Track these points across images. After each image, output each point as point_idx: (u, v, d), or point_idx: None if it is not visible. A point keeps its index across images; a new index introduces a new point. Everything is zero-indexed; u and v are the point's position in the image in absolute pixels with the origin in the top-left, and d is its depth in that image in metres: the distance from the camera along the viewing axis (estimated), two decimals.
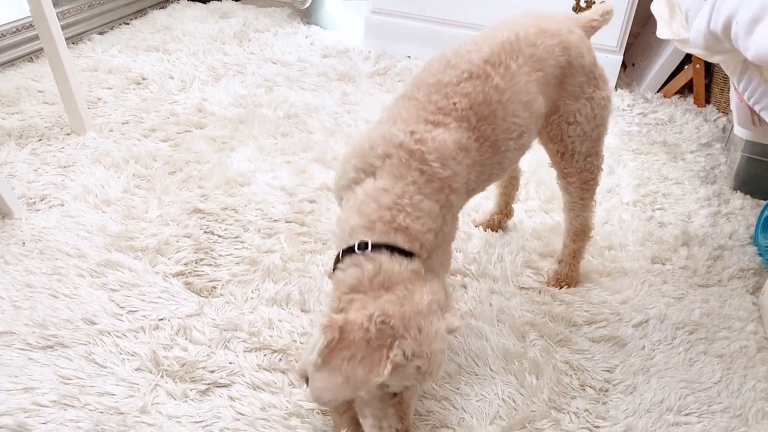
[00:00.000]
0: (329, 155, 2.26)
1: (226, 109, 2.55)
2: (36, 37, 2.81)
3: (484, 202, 2.05)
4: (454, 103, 1.25)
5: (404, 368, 1.10)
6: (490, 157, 1.30)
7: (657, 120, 2.79)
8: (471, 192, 1.33)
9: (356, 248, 1.18)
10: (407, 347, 1.09)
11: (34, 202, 1.91)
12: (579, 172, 1.57)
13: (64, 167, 2.09)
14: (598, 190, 2.13)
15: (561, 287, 1.75)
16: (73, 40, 3.02)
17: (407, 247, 1.18)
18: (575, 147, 1.51)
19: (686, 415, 1.41)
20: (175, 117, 2.45)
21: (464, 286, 1.72)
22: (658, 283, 1.80)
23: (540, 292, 1.73)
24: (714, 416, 1.41)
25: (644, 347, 1.59)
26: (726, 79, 2.84)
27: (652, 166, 2.42)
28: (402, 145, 1.21)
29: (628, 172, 2.35)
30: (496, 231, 1.97)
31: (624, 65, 3.23)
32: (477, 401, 1.41)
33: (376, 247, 1.17)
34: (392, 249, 1.17)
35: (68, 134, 2.28)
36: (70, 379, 1.37)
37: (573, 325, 1.64)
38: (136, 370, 1.41)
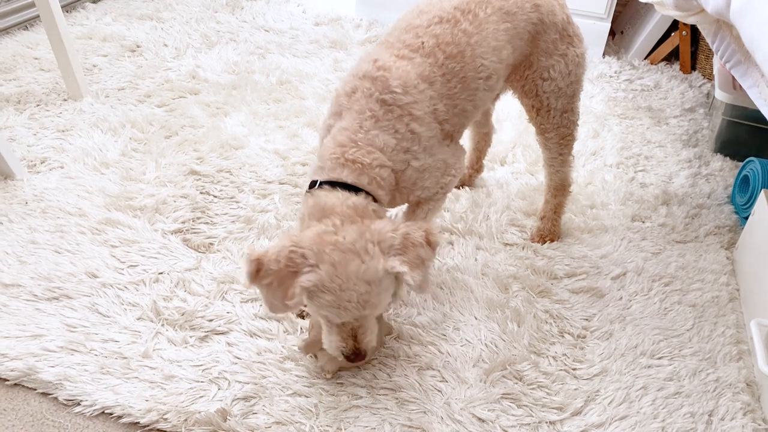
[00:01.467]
0: (321, 120, 2.31)
1: (219, 75, 2.60)
2: (31, 5, 2.84)
3: None
4: (422, 42, 1.33)
5: (318, 298, 1.15)
6: (460, 92, 1.36)
7: (643, 86, 2.85)
8: (442, 123, 1.36)
9: (308, 188, 1.28)
10: (315, 278, 1.13)
11: (35, 165, 1.97)
12: (556, 127, 1.63)
13: (63, 131, 2.14)
14: (583, 151, 2.22)
15: (544, 242, 1.82)
16: (66, 8, 3.04)
17: (350, 181, 1.25)
18: (551, 103, 1.58)
19: (659, 358, 1.49)
20: (170, 83, 2.49)
21: (451, 243, 1.80)
22: (637, 239, 1.87)
23: (523, 248, 1.81)
24: (684, 359, 1.49)
25: (621, 298, 1.67)
26: None
27: (636, 130, 2.48)
28: (366, 75, 1.28)
29: (613, 136, 2.42)
30: (463, 187, 2.04)
31: (612, 33, 3.27)
32: (461, 346, 1.49)
33: (323, 183, 1.25)
34: (334, 184, 1.24)
35: (65, 100, 2.33)
36: (75, 328, 1.44)
37: (554, 278, 1.72)
38: (138, 319, 1.49)
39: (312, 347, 1.40)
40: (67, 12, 3.02)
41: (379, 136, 1.26)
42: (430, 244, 1.20)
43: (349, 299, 1.15)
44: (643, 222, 1.96)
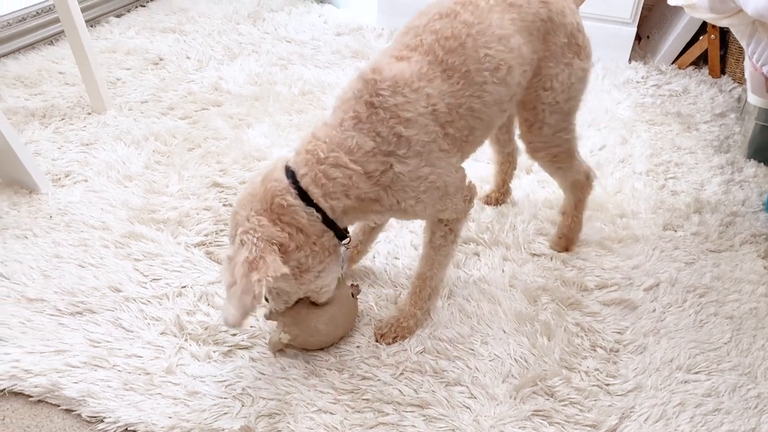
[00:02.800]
0: None
1: (241, 87, 2.59)
2: (56, 21, 2.87)
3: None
4: (421, 40, 1.28)
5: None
6: (465, 88, 1.27)
7: (671, 91, 2.79)
8: (445, 126, 1.27)
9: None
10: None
11: (59, 178, 1.98)
12: (547, 146, 1.55)
13: (87, 145, 2.15)
14: (611, 159, 2.18)
15: (566, 247, 1.77)
16: (91, 23, 3.07)
17: (291, 165, 1.24)
18: (545, 117, 1.48)
19: (695, 373, 1.44)
20: (193, 95, 2.50)
21: (477, 254, 1.76)
22: (669, 249, 1.82)
23: (552, 259, 1.77)
24: (723, 374, 1.44)
25: (655, 310, 1.61)
26: (741, 49, 2.82)
27: (666, 137, 2.43)
28: (360, 77, 1.25)
29: (642, 143, 2.36)
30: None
31: (638, 37, 3.22)
32: (490, 361, 1.45)
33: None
34: (289, 172, 1.23)
35: (89, 114, 2.34)
36: (99, 343, 1.43)
37: (584, 290, 1.67)
38: (161, 333, 1.47)
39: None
40: (91, 26, 3.05)
41: (354, 138, 1.21)
42: (248, 268, 1.14)
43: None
44: (675, 231, 1.90)
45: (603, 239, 1.84)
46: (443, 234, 1.42)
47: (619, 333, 1.55)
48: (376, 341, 1.47)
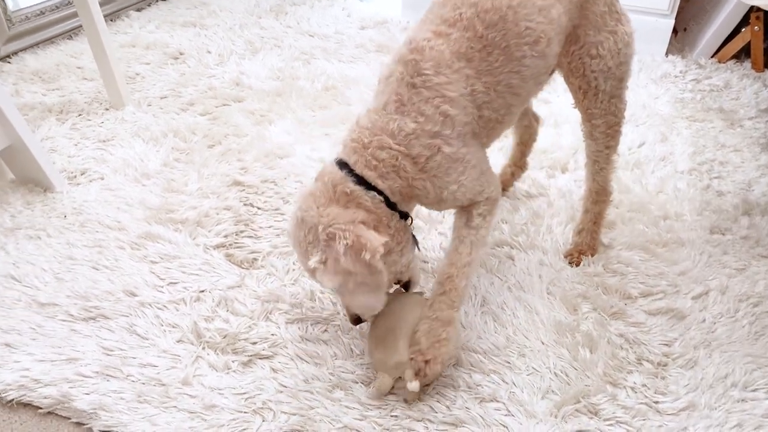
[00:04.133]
0: None
1: (263, 82, 2.51)
2: (75, 15, 2.81)
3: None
4: (460, 14, 1.23)
5: None
6: (504, 65, 1.25)
7: (712, 86, 2.65)
8: (482, 108, 1.25)
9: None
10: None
11: (75, 176, 1.91)
12: (604, 114, 1.50)
13: (104, 141, 2.09)
14: (651, 156, 2.06)
15: (579, 259, 1.65)
16: (111, 17, 3.02)
17: (343, 157, 1.22)
18: (599, 84, 1.44)
19: (753, 390, 1.32)
20: (213, 91, 2.42)
21: (511, 258, 1.66)
22: (717, 254, 1.70)
23: (591, 264, 1.65)
24: None
25: (705, 320, 1.50)
26: None
27: (708, 134, 2.30)
28: (401, 59, 1.22)
29: (683, 140, 2.24)
30: (508, 189, 1.91)
31: (674, 30, 3.07)
32: (528, 375, 1.35)
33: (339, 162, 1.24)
34: (341, 164, 1.22)
35: (107, 109, 2.27)
36: (112, 351, 1.36)
37: (628, 298, 1.56)
38: (178, 341, 1.39)
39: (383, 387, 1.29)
40: (111, 21, 2.99)
41: (395, 121, 1.19)
42: (354, 253, 1.12)
43: (300, 264, 1.27)
44: (723, 234, 1.78)
45: (646, 243, 1.72)
46: (481, 212, 1.32)
47: (667, 345, 1.43)
48: (417, 374, 1.23)
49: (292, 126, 2.20)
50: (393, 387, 1.30)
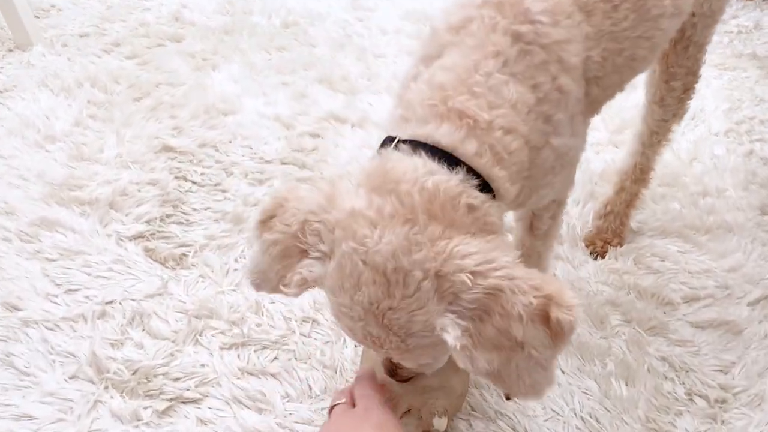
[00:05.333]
0: (337, 74, 1.79)
1: (209, 17, 2.06)
2: None
3: None
4: None
5: (329, 296, 0.73)
6: (634, 27, 0.83)
7: (740, 27, 2.26)
8: (591, 83, 0.83)
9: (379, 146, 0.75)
10: (319, 272, 0.70)
11: None
12: (685, 74, 1.19)
13: (1, 92, 1.65)
14: None
15: (605, 249, 1.32)
16: None
17: (446, 144, 0.69)
18: (694, 34, 1.09)
19: None
20: (146, 27, 1.96)
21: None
22: None
23: (618, 258, 1.30)
24: None
25: (767, 335, 1.17)
26: None
27: (743, 85, 1.93)
28: (487, 1, 0.75)
29: (714, 93, 1.87)
30: None
31: None
32: (545, 420, 1.01)
33: (404, 141, 0.71)
34: (419, 145, 0.70)
35: (10, 50, 1.82)
36: None
37: (668, 304, 1.21)
38: (71, 378, 1.02)
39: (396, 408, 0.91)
40: None
41: (510, 85, 0.71)
42: (548, 325, 0.62)
43: (354, 330, 0.69)
44: None
45: (684, 228, 1.37)
46: (551, 215, 0.97)
47: (723, 372, 1.10)
48: (508, 398, 1.03)
49: (241, 72, 1.77)
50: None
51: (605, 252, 1.31)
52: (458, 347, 0.62)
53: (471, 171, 0.68)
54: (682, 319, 1.19)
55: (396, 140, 0.72)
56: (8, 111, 1.58)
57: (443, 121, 0.70)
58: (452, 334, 0.62)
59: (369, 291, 0.64)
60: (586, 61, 0.79)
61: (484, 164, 0.69)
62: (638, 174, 1.31)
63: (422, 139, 0.70)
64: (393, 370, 0.87)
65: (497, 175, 0.70)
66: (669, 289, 1.23)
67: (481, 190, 0.68)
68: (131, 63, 1.81)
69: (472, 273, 0.62)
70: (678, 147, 1.61)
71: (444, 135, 0.69)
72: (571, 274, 1.25)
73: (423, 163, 0.67)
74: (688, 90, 1.21)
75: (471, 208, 0.67)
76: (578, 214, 1.39)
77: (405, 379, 0.89)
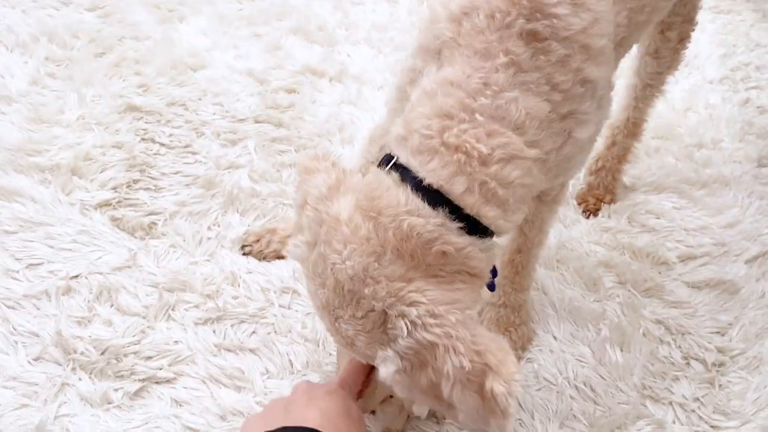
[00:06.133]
0: (313, 24, 1.68)
1: None
2: None
3: None
4: None
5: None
6: None
7: None
8: (619, 44, 0.78)
9: (380, 162, 0.72)
10: (297, 255, 0.75)
11: None
12: (681, 22, 1.15)
13: None
14: None
15: (597, 207, 1.27)
16: None
17: (432, 182, 0.65)
18: None
19: None
20: None
21: None
22: None
23: (611, 215, 1.25)
24: None
25: (764, 294, 1.15)
26: None
27: (738, 29, 1.86)
28: None
29: (708, 38, 1.79)
30: None
31: None
32: (538, 390, 0.97)
33: (398, 166, 0.69)
34: (407, 175, 0.67)
35: None
36: None
37: (663, 264, 1.17)
38: (35, 360, 0.96)
39: (369, 401, 0.88)
40: None
41: (519, 102, 0.66)
42: (482, 393, 0.60)
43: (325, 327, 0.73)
44: None
45: (680, 183, 1.32)
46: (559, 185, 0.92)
47: (720, 334, 1.07)
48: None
49: (210, 24, 1.66)
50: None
51: (598, 210, 1.26)
52: (390, 381, 0.64)
53: (458, 210, 0.65)
54: (677, 279, 1.15)
55: (390, 163, 0.70)
56: None
57: (435, 155, 0.66)
58: (387, 370, 0.64)
59: (329, 295, 0.67)
60: (616, 28, 0.74)
61: (472, 204, 0.66)
62: (631, 128, 1.25)
63: (412, 170, 0.67)
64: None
65: (487, 214, 0.67)
66: (664, 248, 1.19)
67: (469, 230, 0.66)
68: (91, 15, 1.68)
69: (412, 323, 0.62)
70: (672, 96, 1.55)
71: (430, 171, 0.66)
72: (563, 234, 1.20)
73: (405, 199, 0.65)
74: (683, 40, 1.16)
75: (444, 254, 0.65)
76: None
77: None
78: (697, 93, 1.57)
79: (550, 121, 0.68)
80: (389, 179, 0.67)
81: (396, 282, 0.63)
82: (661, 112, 1.48)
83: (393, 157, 0.70)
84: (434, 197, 0.65)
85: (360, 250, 0.64)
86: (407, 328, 0.62)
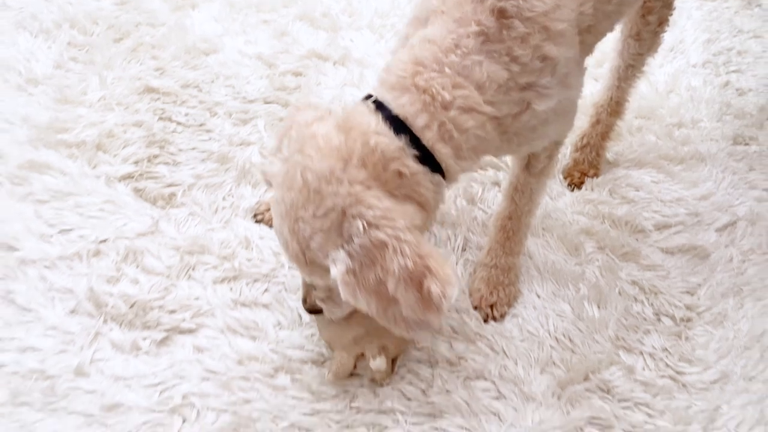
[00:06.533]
0: (318, 11, 1.77)
1: None
2: None
3: None
4: None
5: None
6: None
7: None
8: (583, 33, 0.89)
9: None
10: (269, 171, 0.89)
11: None
12: (661, 6, 1.22)
13: None
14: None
15: (582, 180, 1.37)
16: None
17: (399, 113, 0.79)
18: None
19: None
20: None
21: (497, 184, 1.33)
22: (743, 171, 1.41)
23: (594, 188, 1.35)
24: None
25: (732, 258, 1.24)
26: None
27: (722, 16, 1.93)
28: None
29: (693, 24, 1.88)
30: None
31: None
32: (522, 341, 1.08)
33: (372, 100, 0.83)
34: (380, 106, 0.80)
35: None
36: None
37: (640, 232, 1.27)
38: (71, 312, 1.07)
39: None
40: None
41: (483, 65, 0.79)
42: (420, 291, 0.73)
43: (277, 230, 0.84)
44: (748, 144, 1.48)
45: (659, 159, 1.42)
46: (548, 154, 1.04)
47: (690, 294, 1.17)
48: (486, 320, 1.11)
49: (221, 11, 1.76)
50: (355, 367, 1.01)
51: (582, 183, 1.36)
52: (339, 281, 0.74)
53: (416, 142, 0.78)
54: (653, 245, 1.25)
55: (368, 97, 0.83)
56: None
57: (405, 93, 0.80)
58: (338, 268, 0.75)
59: (293, 195, 0.77)
60: (580, 15, 0.85)
61: (429, 138, 0.79)
62: (614, 106, 1.35)
63: (385, 103, 0.80)
64: (306, 299, 0.96)
65: (440, 150, 0.80)
66: (642, 217, 1.29)
67: (423, 161, 0.78)
68: (109, 3, 1.77)
69: (368, 223, 0.73)
70: (656, 79, 1.64)
71: (400, 105, 0.80)
72: (549, 205, 1.30)
73: (376, 123, 0.78)
74: (662, 23, 1.24)
75: (399, 174, 0.77)
76: None
77: (316, 310, 0.96)
78: (680, 76, 1.67)
79: (508, 88, 0.80)
80: (365, 107, 0.81)
81: (357, 185, 0.75)
82: (644, 93, 1.58)
83: (370, 96, 0.83)
84: (400, 126, 0.79)
85: (330, 155, 0.76)
86: (363, 227, 0.73)
